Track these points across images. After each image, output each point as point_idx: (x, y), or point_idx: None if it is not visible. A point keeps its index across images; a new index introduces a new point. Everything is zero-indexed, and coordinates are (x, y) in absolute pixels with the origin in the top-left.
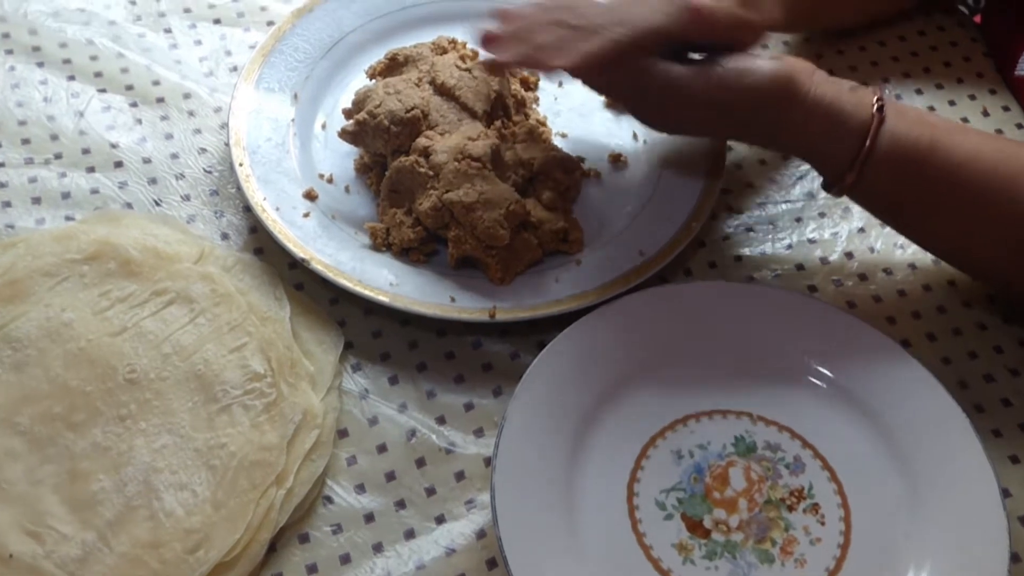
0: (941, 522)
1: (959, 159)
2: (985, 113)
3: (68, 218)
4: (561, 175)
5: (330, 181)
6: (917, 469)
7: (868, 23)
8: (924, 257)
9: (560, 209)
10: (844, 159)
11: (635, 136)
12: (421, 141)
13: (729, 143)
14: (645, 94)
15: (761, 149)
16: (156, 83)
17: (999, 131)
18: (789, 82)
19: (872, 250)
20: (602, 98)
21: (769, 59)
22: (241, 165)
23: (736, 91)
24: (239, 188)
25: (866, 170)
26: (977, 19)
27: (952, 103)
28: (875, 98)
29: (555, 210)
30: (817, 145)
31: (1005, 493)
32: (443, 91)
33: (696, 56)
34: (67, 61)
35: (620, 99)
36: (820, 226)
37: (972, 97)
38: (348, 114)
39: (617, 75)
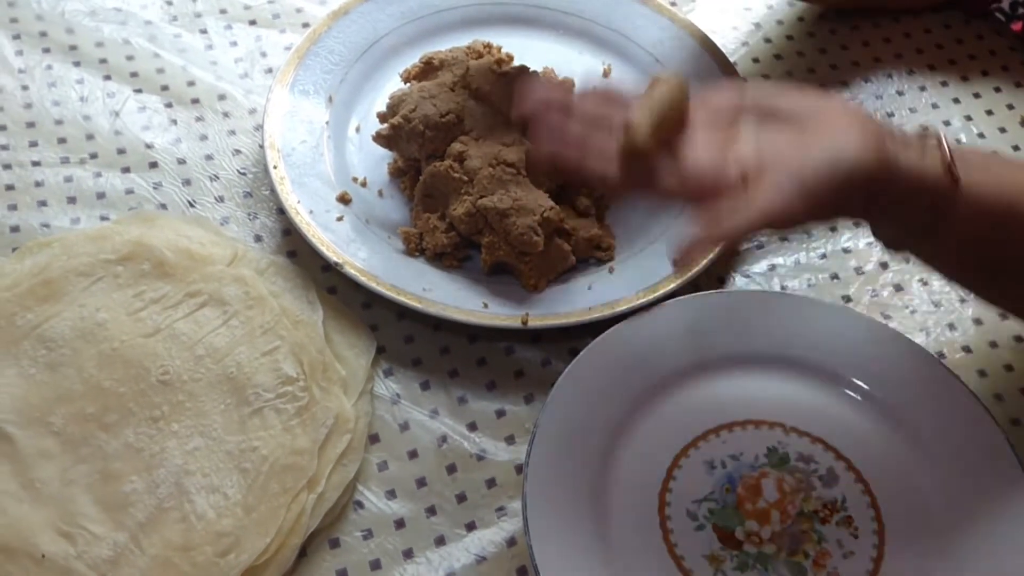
0: (976, 537)
1: None
2: (1023, 123)
3: (103, 218)
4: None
5: (364, 185)
6: (952, 483)
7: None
8: None
9: (594, 216)
10: (927, 217)
11: None
12: (456, 146)
13: None
14: None
15: None
16: (191, 84)
17: None
18: (878, 151)
19: (907, 260)
20: None
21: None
22: (275, 168)
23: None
24: (273, 191)
25: (952, 219)
26: (1016, 27)
27: (990, 112)
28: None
29: (589, 216)
30: (913, 215)
31: None
32: (478, 96)
33: None
34: (103, 61)
35: None
36: (855, 236)
37: (1010, 107)
38: (383, 118)
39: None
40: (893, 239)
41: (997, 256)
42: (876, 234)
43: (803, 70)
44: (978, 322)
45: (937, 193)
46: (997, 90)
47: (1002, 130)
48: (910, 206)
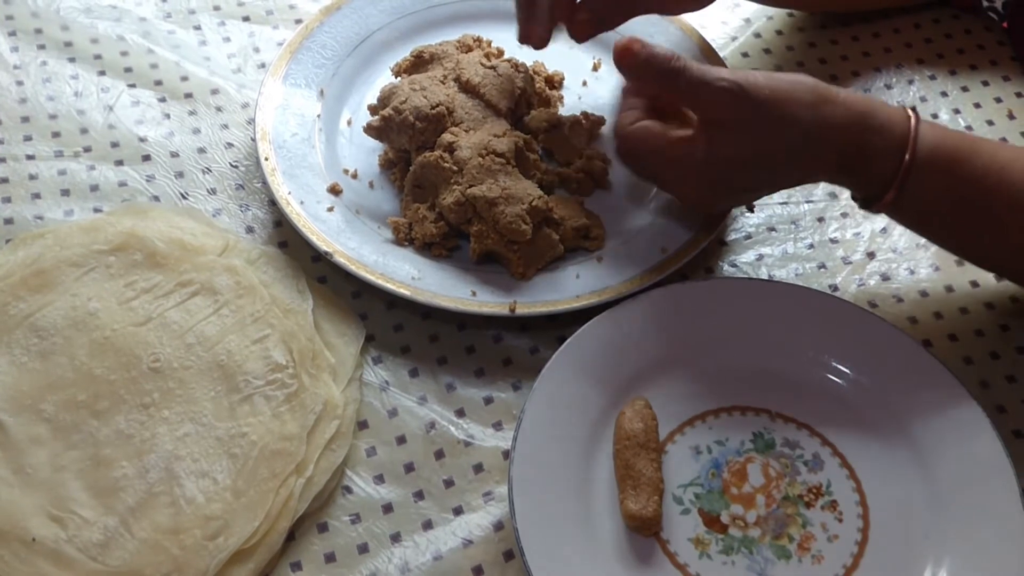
0: (960, 521)
1: (1003, 160)
2: (1011, 116)
3: (96, 210)
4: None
5: (354, 177)
6: (936, 468)
7: (881, 8)
8: (947, 258)
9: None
10: (888, 162)
11: None
12: (446, 137)
13: None
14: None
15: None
16: (185, 79)
17: None
18: (817, 83)
19: (894, 250)
20: None
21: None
22: (267, 159)
23: (780, 90)
24: (264, 183)
25: (911, 175)
26: (1005, 23)
27: (978, 105)
28: (907, 108)
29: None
30: (859, 146)
31: None
32: (468, 88)
33: None
34: (98, 56)
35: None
36: (842, 226)
37: (998, 100)
38: (374, 110)
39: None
40: (866, 196)
41: (971, 198)
42: (854, 196)
43: (792, 65)
44: (964, 311)
45: (903, 126)
46: (985, 84)
47: (990, 123)
48: (863, 127)
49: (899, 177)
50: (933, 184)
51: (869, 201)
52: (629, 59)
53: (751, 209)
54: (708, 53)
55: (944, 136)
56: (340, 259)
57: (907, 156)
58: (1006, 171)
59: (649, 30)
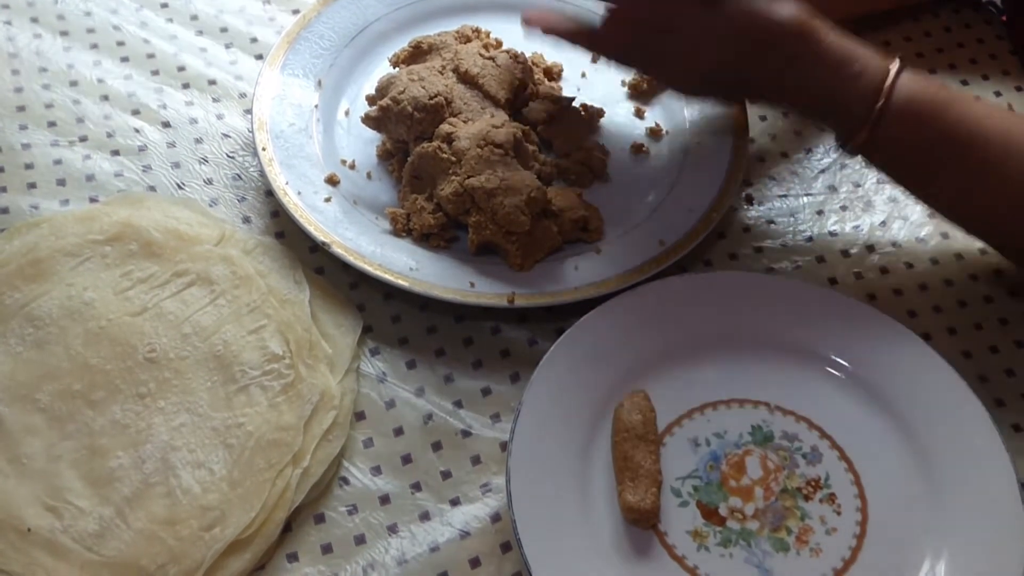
0: (958, 514)
1: (977, 115)
2: (1010, 110)
3: (92, 200)
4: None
5: (352, 167)
6: (935, 461)
7: (887, 9)
8: (946, 252)
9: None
10: (861, 107)
11: (657, 126)
12: (444, 127)
13: (752, 134)
14: (672, 40)
15: (782, 137)
16: (182, 69)
17: None
18: (809, 18)
19: (894, 244)
20: (625, 88)
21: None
22: (264, 149)
23: (762, 21)
24: (262, 172)
25: (884, 119)
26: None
27: (977, 99)
28: (895, 57)
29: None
30: (834, 90)
31: (1023, 487)
32: (466, 79)
33: None
34: (94, 46)
35: (645, 53)
36: (842, 219)
37: (998, 94)
38: (371, 100)
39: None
40: (844, 122)
41: (942, 149)
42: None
43: None
44: (963, 304)
45: (881, 74)
46: (985, 78)
47: None
48: (839, 71)
49: (869, 123)
50: (905, 131)
51: (843, 141)
52: None
53: (750, 201)
54: None
55: (924, 87)
56: (337, 249)
57: (879, 104)
58: (980, 125)
59: None
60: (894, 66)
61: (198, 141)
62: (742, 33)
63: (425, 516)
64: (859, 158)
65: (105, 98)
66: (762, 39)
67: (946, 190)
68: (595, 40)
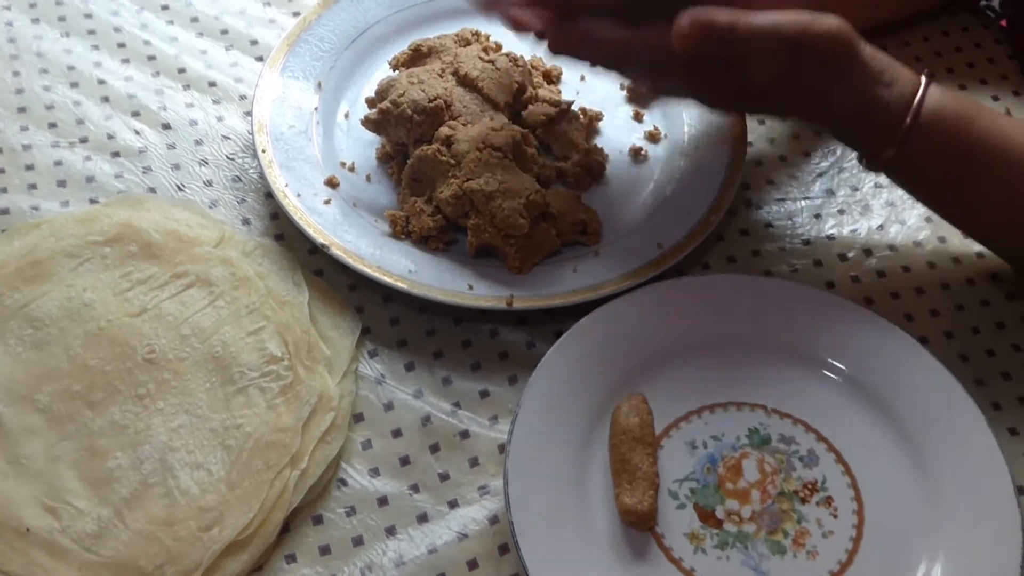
0: (955, 517)
1: (1003, 127)
2: (1008, 114)
3: (92, 201)
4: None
5: (352, 170)
6: (932, 464)
7: (889, 22)
8: (943, 256)
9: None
10: (892, 117)
11: (656, 129)
12: (443, 130)
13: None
14: (739, 69)
15: (780, 140)
16: (182, 71)
17: None
18: (850, 32)
19: (891, 248)
20: (623, 91)
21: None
22: (264, 151)
23: (813, 32)
24: (261, 174)
25: (914, 130)
26: (1004, 22)
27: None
28: (923, 72)
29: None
30: (871, 100)
31: (1020, 491)
32: (466, 82)
33: None
34: (95, 47)
35: (708, 87)
36: (839, 223)
37: (995, 98)
38: (371, 103)
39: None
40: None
41: (970, 164)
42: (861, 159)
43: None
44: (960, 308)
45: (914, 86)
46: (983, 82)
47: None
48: (876, 84)
49: (899, 136)
50: (932, 146)
51: (870, 158)
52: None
53: (748, 204)
54: None
55: (950, 101)
56: (336, 252)
57: (909, 117)
58: (1004, 138)
59: None
60: (924, 77)
61: (198, 143)
62: (794, 43)
63: (423, 518)
64: (859, 159)
65: (106, 99)
66: (812, 48)
67: (971, 204)
68: (657, 86)
